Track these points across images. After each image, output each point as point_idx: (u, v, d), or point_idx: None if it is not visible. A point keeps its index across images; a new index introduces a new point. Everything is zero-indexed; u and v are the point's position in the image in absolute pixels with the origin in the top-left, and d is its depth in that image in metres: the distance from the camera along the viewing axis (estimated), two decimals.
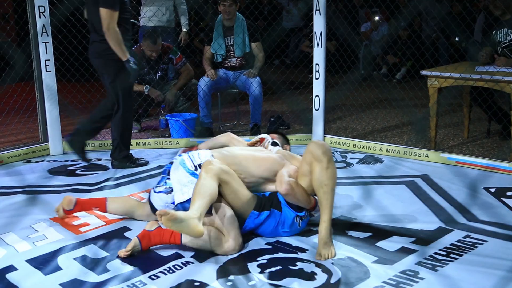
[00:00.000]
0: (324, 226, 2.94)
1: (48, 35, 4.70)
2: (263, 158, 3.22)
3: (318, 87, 4.93)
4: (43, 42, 4.69)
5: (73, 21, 5.20)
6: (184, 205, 2.98)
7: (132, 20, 4.63)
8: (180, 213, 2.70)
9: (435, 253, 2.92)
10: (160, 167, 4.44)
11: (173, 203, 3.14)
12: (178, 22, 6.46)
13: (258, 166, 3.16)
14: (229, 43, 5.51)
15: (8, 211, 3.61)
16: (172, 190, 3.18)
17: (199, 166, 3.07)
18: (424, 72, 4.83)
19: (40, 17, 4.63)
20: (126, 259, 2.90)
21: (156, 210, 3.01)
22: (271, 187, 3.18)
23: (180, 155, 3.30)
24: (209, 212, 2.92)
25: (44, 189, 4.04)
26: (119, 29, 4.03)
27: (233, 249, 2.95)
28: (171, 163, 3.29)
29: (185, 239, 2.95)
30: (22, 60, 4.85)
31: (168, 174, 3.25)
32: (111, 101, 4.28)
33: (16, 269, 2.84)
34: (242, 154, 3.22)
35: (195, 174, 3.05)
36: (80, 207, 3.41)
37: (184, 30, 6.38)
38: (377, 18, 9.20)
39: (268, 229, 3.13)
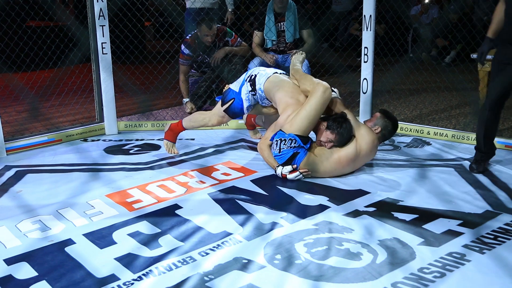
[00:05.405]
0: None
1: (105, 19, 4.77)
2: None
3: (366, 70, 4.91)
4: (100, 26, 4.77)
5: (128, 5, 5.32)
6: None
7: None
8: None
9: (483, 236, 2.91)
10: (217, 146, 4.65)
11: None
12: (221, 2, 6.48)
13: None
14: (280, 29, 5.54)
15: (66, 188, 3.72)
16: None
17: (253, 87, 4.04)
18: (474, 56, 4.76)
19: (97, 1, 4.70)
20: (178, 236, 3.00)
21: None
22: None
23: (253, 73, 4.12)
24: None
25: (100, 167, 4.14)
26: None
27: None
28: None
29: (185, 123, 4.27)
30: (85, 42, 4.96)
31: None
32: None
33: (74, 243, 2.94)
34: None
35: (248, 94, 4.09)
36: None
37: (230, 9, 6.40)
38: (427, 0, 9.05)
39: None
